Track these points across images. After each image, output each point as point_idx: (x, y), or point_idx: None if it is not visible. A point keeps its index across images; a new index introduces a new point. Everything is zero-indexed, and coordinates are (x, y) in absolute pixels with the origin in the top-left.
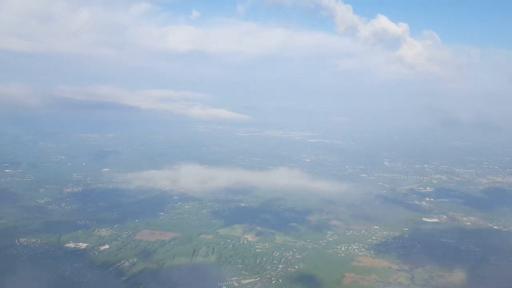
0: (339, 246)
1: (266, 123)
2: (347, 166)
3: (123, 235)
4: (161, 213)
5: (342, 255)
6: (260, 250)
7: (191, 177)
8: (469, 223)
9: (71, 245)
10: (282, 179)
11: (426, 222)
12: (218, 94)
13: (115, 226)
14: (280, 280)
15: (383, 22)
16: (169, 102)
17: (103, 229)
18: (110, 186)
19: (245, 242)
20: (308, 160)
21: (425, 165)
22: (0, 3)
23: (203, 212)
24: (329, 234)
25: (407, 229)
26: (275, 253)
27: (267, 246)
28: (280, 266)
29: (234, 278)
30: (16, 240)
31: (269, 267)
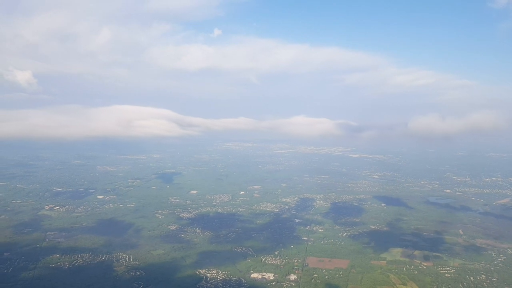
0: None
1: None
2: (422, 182)
3: (295, 264)
4: (304, 238)
5: None
6: (449, 275)
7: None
8: None
9: (257, 276)
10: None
11: None
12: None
13: (276, 253)
14: None
15: None
16: None
17: (268, 257)
18: (220, 210)
19: (424, 267)
20: (376, 177)
21: (493, 178)
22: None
23: (343, 235)
24: (493, 255)
25: None
26: (469, 278)
27: (451, 270)
28: None
29: None
30: (197, 271)
31: None
